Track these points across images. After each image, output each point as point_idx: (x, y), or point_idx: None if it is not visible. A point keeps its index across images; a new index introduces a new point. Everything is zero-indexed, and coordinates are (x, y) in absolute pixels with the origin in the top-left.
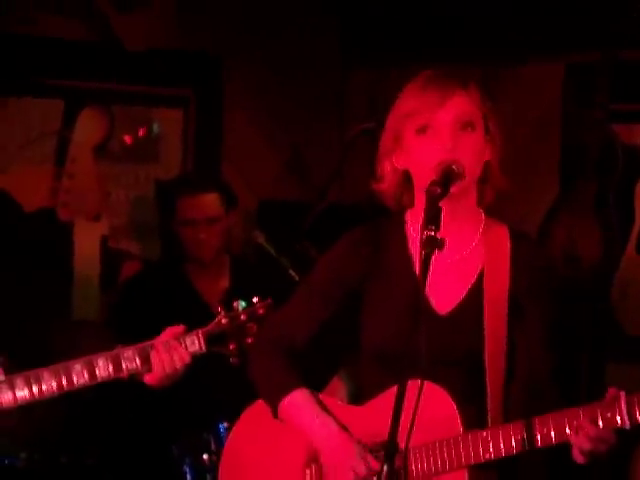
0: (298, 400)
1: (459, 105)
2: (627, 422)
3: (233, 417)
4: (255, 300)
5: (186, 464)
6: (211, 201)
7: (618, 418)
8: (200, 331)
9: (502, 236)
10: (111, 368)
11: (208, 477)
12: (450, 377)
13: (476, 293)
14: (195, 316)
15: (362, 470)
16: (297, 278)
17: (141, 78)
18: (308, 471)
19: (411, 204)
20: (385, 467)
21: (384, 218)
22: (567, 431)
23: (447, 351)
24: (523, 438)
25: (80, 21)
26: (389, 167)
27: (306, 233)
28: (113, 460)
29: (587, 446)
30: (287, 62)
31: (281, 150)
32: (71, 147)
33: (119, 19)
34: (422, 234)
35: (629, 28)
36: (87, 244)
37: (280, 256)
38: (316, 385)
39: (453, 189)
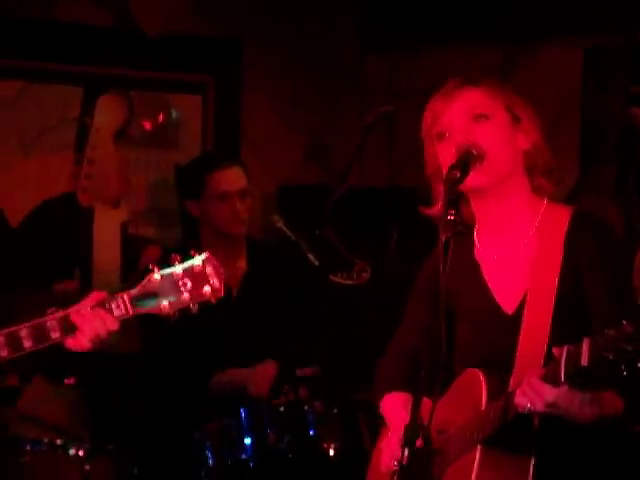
0: (387, 405)
1: (466, 99)
2: (562, 376)
3: (253, 403)
4: (192, 253)
5: (208, 449)
6: (241, 174)
7: (558, 372)
8: (125, 294)
9: (561, 220)
10: (34, 339)
11: (229, 461)
12: (517, 375)
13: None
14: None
15: (396, 449)
16: (316, 262)
17: (160, 64)
18: None
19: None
20: (405, 451)
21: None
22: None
23: (514, 348)
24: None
25: (99, 6)
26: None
27: (326, 217)
28: (135, 445)
29: (522, 391)
30: (306, 47)
31: (300, 135)
32: (91, 133)
33: (138, 4)
34: (442, 219)
35: None
36: (107, 230)
37: (299, 240)
38: None
39: (477, 179)
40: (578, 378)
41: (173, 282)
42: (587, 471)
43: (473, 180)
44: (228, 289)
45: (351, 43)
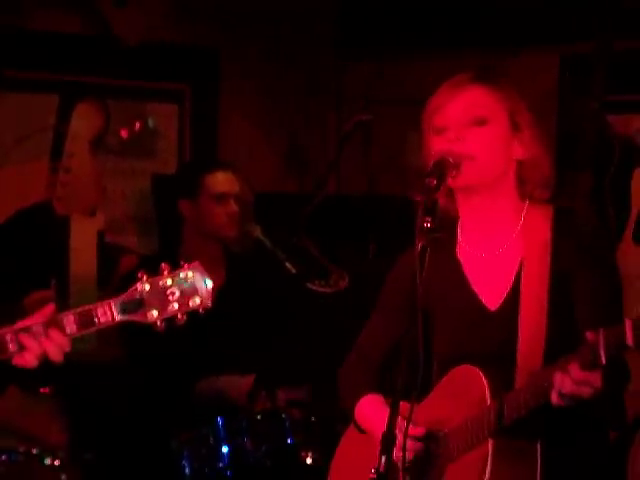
0: (365, 405)
1: (470, 97)
2: (604, 359)
3: (230, 411)
4: (182, 262)
5: (184, 458)
6: (236, 180)
7: (599, 357)
8: (112, 301)
9: (544, 218)
10: None
11: (206, 470)
12: (501, 372)
13: (518, 284)
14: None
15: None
16: (294, 271)
17: (136, 72)
18: None
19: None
20: (383, 459)
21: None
22: (553, 379)
23: (497, 345)
24: (518, 395)
25: (75, 15)
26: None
27: (303, 225)
28: (112, 454)
29: (568, 389)
30: (283, 56)
31: (278, 143)
32: (67, 141)
33: (114, 13)
34: (418, 226)
35: (623, 18)
36: (83, 239)
37: (277, 249)
38: None
39: (462, 179)
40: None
41: (161, 291)
42: (591, 451)
43: (459, 180)
44: None
45: (329, 51)
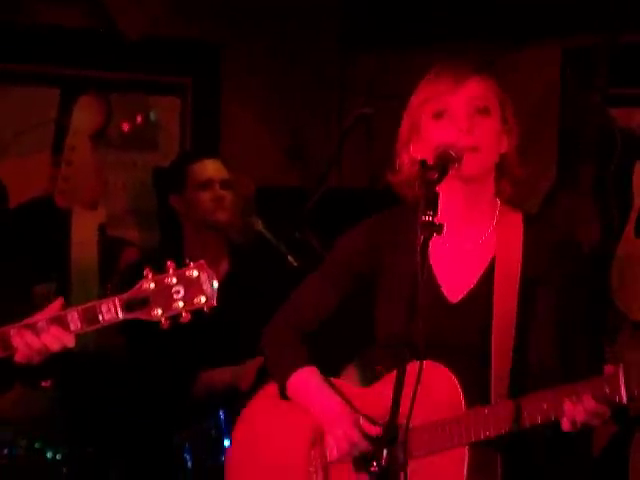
0: (304, 377)
1: (474, 89)
2: (624, 397)
3: (232, 405)
4: (187, 261)
5: (186, 451)
6: (221, 165)
7: (616, 394)
8: (117, 297)
9: (516, 223)
10: None
11: (208, 464)
12: (456, 362)
13: (487, 281)
14: None
15: (355, 436)
16: (295, 264)
17: (138, 66)
18: (313, 452)
19: None
20: (385, 452)
21: (402, 207)
22: (564, 407)
23: (456, 338)
24: (522, 414)
25: (77, 8)
26: (407, 158)
27: (305, 219)
28: (113, 448)
29: (581, 418)
30: (286, 49)
31: (280, 137)
32: (69, 135)
33: (116, 6)
34: (419, 219)
35: (627, 11)
36: (85, 232)
37: (278, 242)
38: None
39: (470, 169)
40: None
41: (166, 289)
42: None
43: (463, 170)
44: None
45: (332, 46)
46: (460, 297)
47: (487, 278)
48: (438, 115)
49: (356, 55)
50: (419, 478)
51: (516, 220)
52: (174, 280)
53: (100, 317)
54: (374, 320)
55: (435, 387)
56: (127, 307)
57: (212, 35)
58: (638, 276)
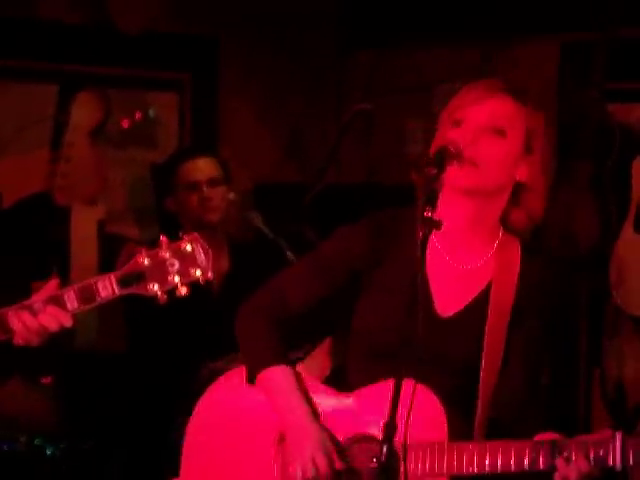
0: (278, 376)
1: (496, 107)
2: (619, 464)
3: None
4: (180, 234)
5: None
6: (210, 163)
7: (611, 459)
8: (112, 274)
9: (514, 252)
10: None
11: None
12: (441, 379)
13: (481, 303)
14: (197, 298)
15: (323, 464)
16: (294, 260)
17: (137, 61)
18: (279, 448)
19: None
20: (384, 448)
21: (407, 209)
22: (557, 463)
23: (441, 353)
24: (511, 459)
25: (75, 4)
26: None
27: (304, 214)
28: (114, 443)
29: (574, 476)
30: (284, 45)
31: (278, 133)
32: (67, 131)
33: (114, 1)
34: (419, 215)
35: (624, 6)
36: (84, 229)
37: (277, 238)
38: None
39: (459, 178)
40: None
41: (161, 264)
42: None
43: (458, 180)
44: (210, 287)
45: (330, 41)
46: (451, 314)
47: (481, 301)
48: (456, 123)
49: (354, 51)
50: None
51: (515, 248)
52: (168, 254)
53: (97, 295)
54: (353, 314)
55: (418, 407)
56: (123, 283)
57: (210, 31)
58: (637, 271)
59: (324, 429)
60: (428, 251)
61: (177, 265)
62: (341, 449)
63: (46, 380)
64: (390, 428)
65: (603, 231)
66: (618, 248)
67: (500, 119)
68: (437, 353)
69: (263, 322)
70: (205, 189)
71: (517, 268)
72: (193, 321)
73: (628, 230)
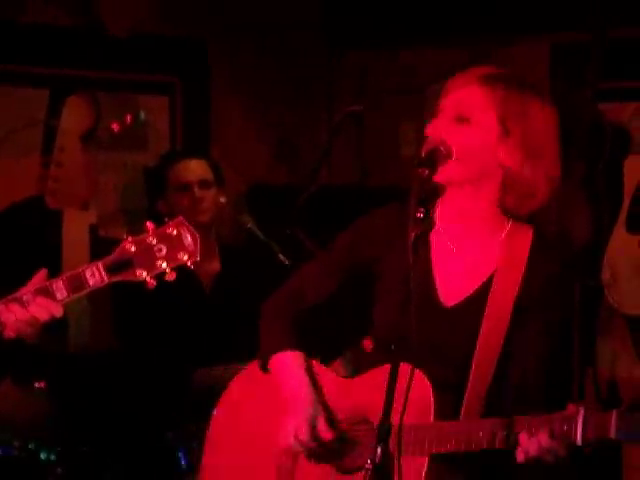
0: (287, 358)
1: (462, 96)
2: (579, 439)
3: None
4: (166, 220)
5: (180, 450)
6: (202, 165)
7: (572, 434)
8: (100, 262)
9: (524, 241)
10: None
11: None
12: (437, 368)
13: (483, 293)
14: (188, 299)
15: (304, 434)
16: (287, 262)
17: (126, 64)
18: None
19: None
20: (379, 448)
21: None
22: (519, 438)
23: (440, 342)
24: (488, 436)
25: (64, 7)
26: None
27: (296, 216)
28: (108, 449)
29: (534, 452)
30: (274, 46)
31: (269, 134)
32: (58, 135)
33: (103, 4)
34: (411, 216)
35: (615, 6)
36: (76, 233)
37: (269, 240)
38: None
39: (440, 174)
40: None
41: (148, 249)
42: None
43: (439, 174)
44: (201, 289)
45: (320, 42)
46: (454, 303)
47: (484, 290)
48: (436, 112)
49: (345, 52)
50: None
51: (526, 238)
52: (155, 240)
53: (86, 283)
54: (371, 318)
55: (413, 394)
56: (111, 270)
57: (200, 33)
58: (629, 270)
59: (319, 406)
60: (434, 241)
61: (164, 250)
62: (337, 427)
63: (40, 384)
64: (384, 429)
65: (596, 230)
66: (611, 247)
67: (464, 107)
68: (436, 342)
69: (279, 316)
70: (196, 190)
71: (525, 259)
72: (184, 321)
73: (620, 229)
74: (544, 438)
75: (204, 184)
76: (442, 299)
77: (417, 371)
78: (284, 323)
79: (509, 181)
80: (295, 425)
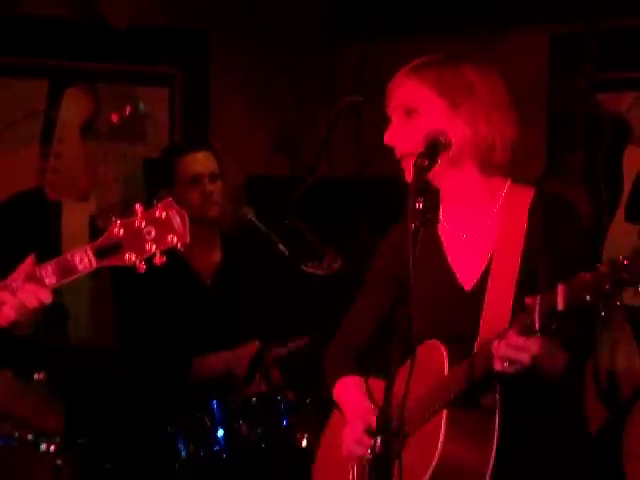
0: (346, 382)
1: (401, 93)
2: (537, 326)
3: (226, 393)
4: (154, 202)
5: (181, 441)
6: (210, 157)
7: (531, 321)
8: (88, 246)
9: (523, 201)
10: None
11: (202, 453)
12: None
13: (490, 265)
14: (189, 291)
15: (353, 439)
16: (287, 253)
17: (126, 56)
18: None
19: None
20: (378, 440)
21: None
22: (492, 346)
23: (468, 325)
24: (475, 364)
25: None
26: None
27: (295, 208)
28: (108, 439)
29: (504, 352)
30: (274, 38)
31: (269, 126)
32: (57, 127)
33: None
34: (410, 207)
35: None
36: (75, 224)
37: (270, 232)
38: None
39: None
40: (553, 325)
41: (137, 232)
42: (548, 424)
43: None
44: (202, 280)
45: (319, 33)
46: (473, 283)
47: (491, 262)
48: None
49: (343, 43)
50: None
51: (525, 197)
52: (143, 223)
53: (75, 268)
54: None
55: (426, 361)
56: (99, 254)
57: (200, 24)
58: None
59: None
60: (440, 229)
61: (154, 233)
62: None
63: (39, 376)
64: (383, 421)
65: (595, 221)
66: (610, 237)
67: (405, 103)
68: (464, 325)
69: (334, 361)
70: (207, 183)
71: (525, 218)
72: (186, 312)
73: (620, 219)
74: (512, 336)
75: (213, 176)
76: (462, 283)
77: (434, 341)
78: (342, 361)
79: (476, 148)
80: (347, 432)
